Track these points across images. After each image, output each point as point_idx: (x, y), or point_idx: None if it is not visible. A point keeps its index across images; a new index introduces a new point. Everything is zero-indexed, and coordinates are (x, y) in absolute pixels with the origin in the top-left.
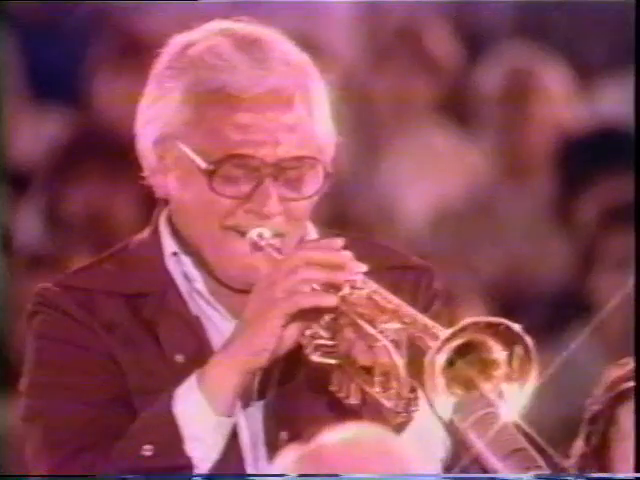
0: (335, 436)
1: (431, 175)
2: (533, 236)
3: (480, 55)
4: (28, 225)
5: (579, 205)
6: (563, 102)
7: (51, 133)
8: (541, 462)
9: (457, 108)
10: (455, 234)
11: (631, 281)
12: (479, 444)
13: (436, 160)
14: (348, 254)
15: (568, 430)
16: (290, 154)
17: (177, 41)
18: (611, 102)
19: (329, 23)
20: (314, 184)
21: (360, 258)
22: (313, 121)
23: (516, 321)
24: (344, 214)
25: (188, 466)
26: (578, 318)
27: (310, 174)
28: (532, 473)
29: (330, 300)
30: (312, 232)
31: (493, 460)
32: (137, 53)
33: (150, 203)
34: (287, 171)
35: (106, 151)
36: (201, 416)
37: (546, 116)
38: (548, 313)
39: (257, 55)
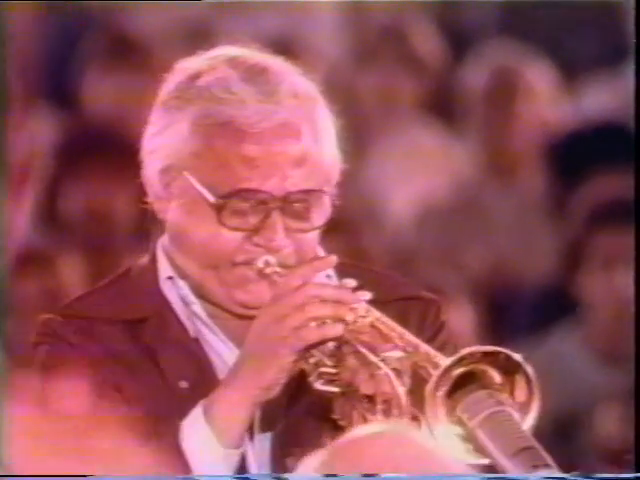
0: (367, 431)
1: (417, 174)
2: (520, 234)
3: (465, 53)
4: (19, 224)
5: (566, 203)
6: (549, 100)
7: (41, 132)
8: (550, 461)
9: (443, 107)
10: (442, 232)
11: (631, 281)
12: (487, 442)
13: (422, 159)
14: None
15: (558, 429)
16: (298, 187)
17: (183, 68)
18: (597, 100)
19: (314, 22)
20: (321, 215)
21: (368, 288)
22: (320, 150)
23: (503, 319)
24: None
25: None
26: (566, 316)
27: (317, 205)
28: (540, 472)
29: (336, 330)
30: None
31: (501, 458)
32: (125, 52)
33: (141, 201)
34: (295, 204)
35: (95, 150)
36: (210, 450)
37: (532, 114)
38: (535, 311)
39: (265, 88)
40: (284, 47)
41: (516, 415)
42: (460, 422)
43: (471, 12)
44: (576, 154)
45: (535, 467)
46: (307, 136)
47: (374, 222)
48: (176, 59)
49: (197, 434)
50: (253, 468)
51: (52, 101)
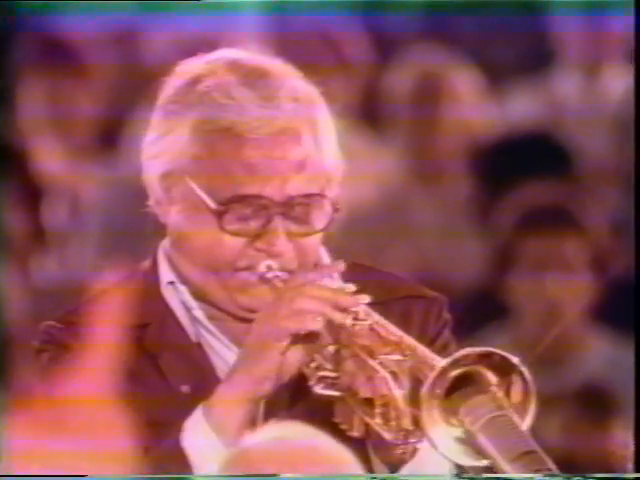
0: (259, 437)
1: (343, 178)
2: (447, 239)
3: (391, 57)
4: None
5: (493, 207)
6: (474, 105)
7: None
8: (551, 464)
9: (369, 111)
10: (368, 237)
11: (560, 285)
12: (489, 446)
13: (348, 163)
14: (351, 297)
15: None
16: (299, 192)
17: (182, 72)
18: (522, 105)
19: (237, 27)
20: (323, 218)
21: (370, 287)
22: (321, 153)
23: None
24: None
25: None
26: (493, 320)
27: (318, 208)
28: (542, 476)
29: (316, 324)
30: (326, 259)
31: (503, 462)
32: (53, 55)
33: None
34: (295, 208)
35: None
36: (210, 448)
37: (458, 119)
38: (462, 315)
39: (265, 92)
40: (208, 49)
41: (517, 419)
42: (459, 424)
43: (396, 16)
44: (501, 159)
45: (537, 471)
46: (307, 140)
47: None
48: (101, 61)
49: (198, 433)
50: None
51: None
